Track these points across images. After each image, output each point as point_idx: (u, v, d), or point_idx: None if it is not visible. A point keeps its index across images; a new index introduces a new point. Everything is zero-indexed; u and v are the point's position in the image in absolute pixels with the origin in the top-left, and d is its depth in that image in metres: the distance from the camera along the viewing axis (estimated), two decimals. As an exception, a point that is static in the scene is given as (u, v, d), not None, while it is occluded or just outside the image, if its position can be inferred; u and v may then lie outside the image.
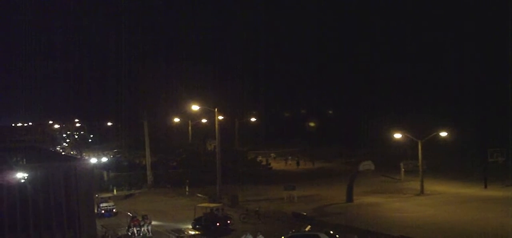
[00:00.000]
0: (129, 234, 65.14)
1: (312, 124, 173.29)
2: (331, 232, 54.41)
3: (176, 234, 63.06)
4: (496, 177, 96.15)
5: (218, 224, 66.60)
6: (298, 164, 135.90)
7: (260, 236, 54.08)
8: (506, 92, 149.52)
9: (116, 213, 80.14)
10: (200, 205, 73.74)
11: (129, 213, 74.96)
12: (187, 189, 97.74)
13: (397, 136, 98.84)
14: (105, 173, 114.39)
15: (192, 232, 67.02)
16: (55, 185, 52.57)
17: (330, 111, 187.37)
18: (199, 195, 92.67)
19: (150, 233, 65.36)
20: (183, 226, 68.86)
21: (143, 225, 65.50)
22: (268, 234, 57.70)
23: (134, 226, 65.35)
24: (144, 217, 67.11)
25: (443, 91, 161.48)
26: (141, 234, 64.81)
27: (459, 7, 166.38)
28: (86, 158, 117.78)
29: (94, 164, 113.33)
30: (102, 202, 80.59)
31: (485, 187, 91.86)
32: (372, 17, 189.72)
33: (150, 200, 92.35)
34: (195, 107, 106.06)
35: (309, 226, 58.80)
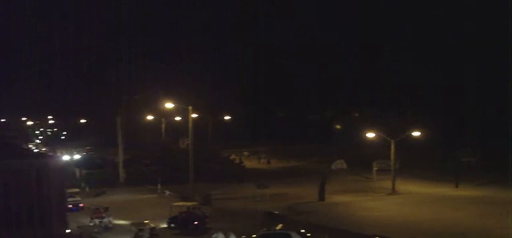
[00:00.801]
0: (91, 225, 68.61)
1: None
2: (303, 230, 54.57)
3: (138, 227, 62.77)
4: (468, 177, 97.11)
5: (196, 222, 66.19)
6: (269, 162, 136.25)
7: (232, 235, 54.12)
8: (478, 94, 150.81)
9: (82, 208, 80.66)
10: (176, 203, 73.49)
11: (92, 206, 75.93)
12: (159, 187, 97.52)
13: (370, 135, 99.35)
14: (77, 170, 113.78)
15: (165, 226, 66.87)
16: (27, 182, 52.45)
17: (312, 116, 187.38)
18: (169, 193, 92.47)
19: (111, 224, 68.38)
20: (157, 224, 68.43)
21: (104, 217, 68.61)
22: (240, 233, 57.76)
23: (97, 217, 69.04)
24: (106, 209, 70.53)
25: (416, 92, 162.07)
26: (102, 225, 67.74)
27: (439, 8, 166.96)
28: (59, 155, 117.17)
29: (67, 161, 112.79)
30: (69, 197, 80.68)
31: (457, 186, 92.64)
32: (341, 14, 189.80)
33: (122, 198, 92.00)
34: (169, 105, 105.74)
35: (281, 225, 58.91)
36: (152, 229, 62.03)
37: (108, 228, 67.85)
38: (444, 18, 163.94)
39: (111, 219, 69.18)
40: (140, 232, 60.43)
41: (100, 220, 68.58)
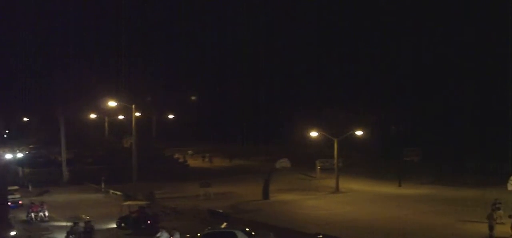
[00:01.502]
0: (28, 219, 70.56)
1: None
2: (247, 229, 54.57)
3: (75, 221, 62.13)
4: (411, 176, 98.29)
5: (149, 222, 65.14)
6: (211, 161, 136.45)
7: (177, 233, 53.91)
8: (421, 92, 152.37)
9: (22, 205, 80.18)
10: (126, 203, 72.68)
11: (29, 201, 76.16)
12: (103, 186, 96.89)
13: (314, 134, 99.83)
14: (20, 169, 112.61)
15: (114, 226, 66.06)
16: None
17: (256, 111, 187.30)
18: (114, 192, 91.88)
19: (47, 218, 70.77)
20: (105, 224, 67.67)
21: (40, 211, 70.87)
22: (184, 231, 57.59)
23: (33, 211, 70.91)
24: (42, 204, 72.52)
25: (360, 90, 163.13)
26: (38, 219, 70.27)
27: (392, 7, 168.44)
28: (1, 153, 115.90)
29: (9, 160, 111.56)
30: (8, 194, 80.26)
31: (400, 185, 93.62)
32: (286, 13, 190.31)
33: (65, 197, 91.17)
34: (112, 104, 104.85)
35: (225, 223, 58.87)
36: (87, 222, 61.24)
37: (44, 222, 70.04)
38: (396, 19, 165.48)
39: (46, 212, 71.37)
40: (75, 226, 59.83)
41: (36, 214, 70.78)
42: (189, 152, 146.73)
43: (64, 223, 65.08)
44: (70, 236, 58.92)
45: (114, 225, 66.46)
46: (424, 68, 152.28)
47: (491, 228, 55.98)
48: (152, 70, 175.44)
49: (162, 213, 71.45)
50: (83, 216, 65.61)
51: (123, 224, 65.79)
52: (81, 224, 60.51)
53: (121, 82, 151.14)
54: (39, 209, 71.30)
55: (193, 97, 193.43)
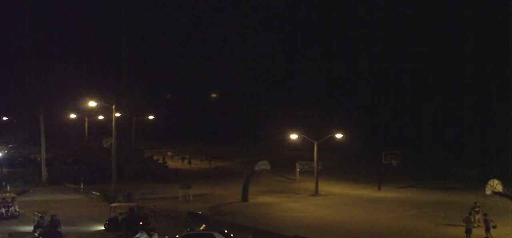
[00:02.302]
0: None
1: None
2: (226, 231, 54.56)
3: (41, 214, 62.02)
4: (390, 179, 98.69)
5: (141, 223, 64.07)
6: (189, 162, 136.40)
7: (155, 235, 53.84)
8: (401, 96, 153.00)
9: None
10: (114, 204, 72.08)
11: (1, 197, 75.30)
12: (82, 186, 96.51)
13: (294, 136, 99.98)
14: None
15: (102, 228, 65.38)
16: None
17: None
18: (94, 192, 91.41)
19: (17, 213, 72.15)
20: (90, 228, 66.93)
21: (11, 206, 72.21)
22: (163, 233, 57.51)
23: (3, 207, 71.97)
24: (13, 199, 73.66)
25: (339, 93, 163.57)
26: (9, 214, 71.54)
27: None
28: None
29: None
30: None
31: (379, 188, 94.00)
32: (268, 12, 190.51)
33: (44, 197, 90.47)
34: (92, 104, 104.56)
35: (204, 225, 58.87)
36: (53, 215, 61.63)
37: (14, 217, 71.29)
38: (375, 21, 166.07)
39: (17, 208, 72.74)
40: (41, 219, 61.06)
41: (7, 210, 71.86)
42: (169, 153, 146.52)
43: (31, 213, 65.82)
44: (37, 229, 60.16)
45: (101, 227, 65.43)
46: (403, 73, 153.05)
47: (468, 231, 56.40)
48: (133, 70, 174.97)
49: (151, 214, 70.84)
50: (47, 212, 65.51)
51: (112, 226, 64.43)
52: (47, 218, 61.40)
53: (102, 82, 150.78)
54: (10, 204, 72.35)
55: (168, 96, 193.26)
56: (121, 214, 66.22)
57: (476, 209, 61.31)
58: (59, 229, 60.54)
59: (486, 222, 57.16)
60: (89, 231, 64.67)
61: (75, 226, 65.85)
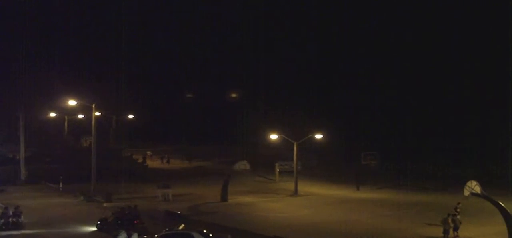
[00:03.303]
0: None
1: None
2: (205, 231, 54.60)
3: (5, 206, 62.90)
4: (369, 180, 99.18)
5: (136, 222, 63.32)
6: (168, 162, 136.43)
7: (134, 234, 53.81)
8: (380, 98, 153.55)
9: None
10: (106, 204, 71.50)
11: None
12: (61, 185, 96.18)
13: (274, 136, 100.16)
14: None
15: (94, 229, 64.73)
16: None
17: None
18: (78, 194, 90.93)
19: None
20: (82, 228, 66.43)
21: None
22: (142, 232, 57.45)
23: None
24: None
25: (319, 94, 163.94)
26: None
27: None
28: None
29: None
30: None
31: (358, 189, 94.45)
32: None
33: (23, 196, 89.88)
34: (72, 103, 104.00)
35: (182, 225, 58.83)
36: (17, 206, 63.57)
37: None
38: (354, 21, 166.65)
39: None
40: (5, 210, 63.07)
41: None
42: (148, 152, 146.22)
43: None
44: (1, 219, 62.20)
45: (90, 228, 64.73)
46: (382, 74, 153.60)
47: (446, 232, 56.97)
48: (112, 69, 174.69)
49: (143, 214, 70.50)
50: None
51: (105, 226, 63.25)
52: (11, 209, 63.31)
53: (81, 81, 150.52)
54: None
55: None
56: (113, 214, 65.72)
57: (458, 210, 61.88)
58: (21, 219, 62.80)
59: (454, 222, 57.91)
60: (80, 232, 64.00)
61: (63, 229, 64.99)
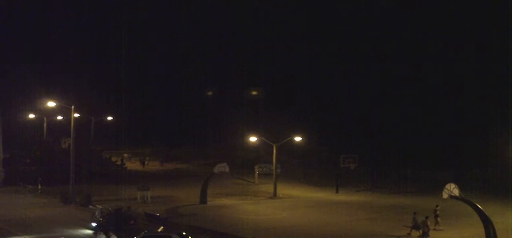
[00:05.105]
0: None
1: None
2: (184, 233, 54.56)
3: None
4: (348, 182, 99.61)
5: (132, 222, 63.75)
6: (143, 164, 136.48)
7: (113, 236, 53.74)
8: (360, 101, 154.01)
9: None
10: (97, 206, 71.22)
11: None
12: (39, 187, 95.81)
13: (253, 139, 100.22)
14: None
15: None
16: None
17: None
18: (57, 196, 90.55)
19: None
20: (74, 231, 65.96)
21: None
22: (120, 235, 57.31)
23: None
24: None
25: (299, 96, 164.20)
26: None
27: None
28: None
29: None
30: None
31: (337, 191, 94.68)
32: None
33: (0, 198, 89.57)
34: (51, 104, 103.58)
35: (161, 227, 58.76)
36: None
37: None
38: (334, 21, 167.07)
39: None
40: None
41: None
42: (125, 155, 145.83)
43: None
44: None
45: (83, 231, 64.34)
46: (363, 77, 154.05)
47: (425, 234, 57.33)
48: (91, 71, 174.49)
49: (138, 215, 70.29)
50: None
51: (100, 227, 61.93)
52: None
53: (61, 83, 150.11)
54: None
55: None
56: (108, 215, 65.32)
57: (437, 212, 62.54)
58: None
59: (424, 224, 58.35)
60: (74, 235, 63.34)
61: (51, 233, 63.91)
